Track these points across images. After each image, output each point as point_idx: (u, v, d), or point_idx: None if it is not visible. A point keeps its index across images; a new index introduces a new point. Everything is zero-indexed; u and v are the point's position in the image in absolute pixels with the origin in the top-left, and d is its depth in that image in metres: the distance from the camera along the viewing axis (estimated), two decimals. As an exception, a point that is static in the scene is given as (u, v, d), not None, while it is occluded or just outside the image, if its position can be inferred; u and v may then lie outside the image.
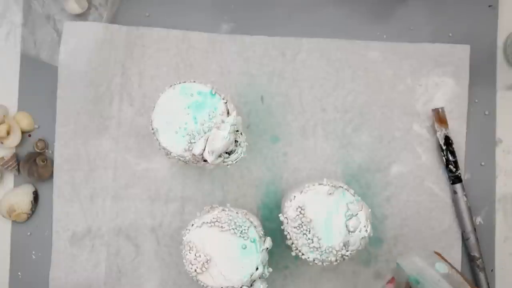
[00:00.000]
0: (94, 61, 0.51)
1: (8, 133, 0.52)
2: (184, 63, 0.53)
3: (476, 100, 0.53)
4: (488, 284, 0.51)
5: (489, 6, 0.54)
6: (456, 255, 0.52)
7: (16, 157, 0.52)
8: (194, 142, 0.44)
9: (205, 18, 0.54)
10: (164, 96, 0.45)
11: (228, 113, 0.44)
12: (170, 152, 0.44)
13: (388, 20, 0.54)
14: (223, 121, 0.44)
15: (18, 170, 0.53)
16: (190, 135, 0.44)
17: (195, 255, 0.43)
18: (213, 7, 0.54)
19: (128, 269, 0.52)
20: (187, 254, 0.44)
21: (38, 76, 0.53)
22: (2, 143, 0.52)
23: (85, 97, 0.52)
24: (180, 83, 0.45)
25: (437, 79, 0.53)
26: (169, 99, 0.44)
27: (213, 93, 0.44)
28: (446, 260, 0.43)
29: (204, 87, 0.45)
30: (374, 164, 0.52)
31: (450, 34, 0.54)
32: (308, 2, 0.54)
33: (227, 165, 0.44)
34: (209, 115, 0.44)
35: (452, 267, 0.43)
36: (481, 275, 0.51)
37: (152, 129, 0.44)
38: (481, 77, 0.53)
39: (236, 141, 0.44)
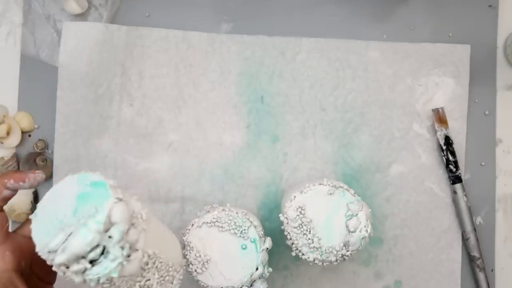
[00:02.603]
0: (94, 61, 0.51)
1: (8, 133, 0.52)
2: (184, 63, 0.53)
3: (476, 100, 0.53)
4: (488, 284, 0.51)
5: (489, 6, 0.54)
6: (456, 255, 0.52)
7: (16, 157, 0.52)
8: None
9: (205, 18, 0.54)
10: (68, 179, 0.35)
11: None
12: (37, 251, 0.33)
13: (388, 20, 0.54)
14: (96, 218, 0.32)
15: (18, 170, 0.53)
16: (63, 229, 0.32)
17: (195, 255, 0.43)
18: (212, 7, 0.54)
19: (128, 269, 0.52)
20: (187, 254, 0.44)
21: (38, 76, 0.53)
22: (2, 143, 0.52)
23: (85, 97, 0.52)
24: (82, 173, 0.35)
25: (437, 79, 0.53)
26: (64, 186, 0.35)
27: (108, 187, 0.33)
28: None
29: (100, 177, 0.34)
30: (374, 164, 0.52)
31: (450, 34, 0.54)
32: (308, 2, 0.54)
33: (91, 281, 0.32)
34: (95, 209, 0.32)
35: None
36: (481, 275, 0.51)
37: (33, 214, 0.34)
38: (481, 77, 0.53)
39: (104, 249, 0.32)
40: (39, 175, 0.39)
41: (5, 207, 0.52)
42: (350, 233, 0.43)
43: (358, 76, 0.53)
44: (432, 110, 0.52)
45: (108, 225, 0.32)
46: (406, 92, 0.53)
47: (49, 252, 0.32)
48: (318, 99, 0.53)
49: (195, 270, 0.43)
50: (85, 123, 0.52)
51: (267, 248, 0.44)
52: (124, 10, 0.54)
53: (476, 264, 0.51)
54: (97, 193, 0.33)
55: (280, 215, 0.45)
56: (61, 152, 0.52)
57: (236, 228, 0.44)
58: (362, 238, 0.43)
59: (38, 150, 0.52)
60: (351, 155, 0.53)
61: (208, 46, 0.53)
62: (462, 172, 0.52)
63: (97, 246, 0.32)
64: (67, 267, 0.32)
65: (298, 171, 0.52)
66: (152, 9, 0.54)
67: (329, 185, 0.44)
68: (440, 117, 0.52)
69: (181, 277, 0.39)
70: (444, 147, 0.52)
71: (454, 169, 0.52)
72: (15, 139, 0.52)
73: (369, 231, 0.43)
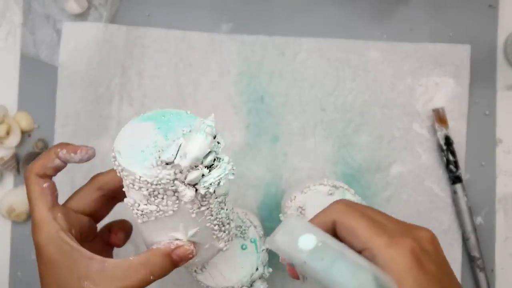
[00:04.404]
0: (94, 61, 0.51)
1: (8, 133, 0.52)
2: (184, 63, 0.53)
3: (476, 100, 0.53)
4: (488, 284, 0.51)
5: (489, 6, 0.54)
6: (456, 255, 0.52)
7: (16, 157, 0.52)
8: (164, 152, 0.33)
9: (204, 18, 0.54)
10: (131, 122, 0.36)
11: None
12: (137, 178, 0.33)
13: (388, 20, 0.54)
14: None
15: (18, 170, 0.53)
16: (160, 151, 0.33)
17: (195, 255, 0.43)
18: (212, 7, 0.54)
19: (128, 269, 0.52)
20: (187, 254, 0.44)
21: (38, 76, 0.53)
22: (2, 143, 0.52)
23: (85, 97, 0.52)
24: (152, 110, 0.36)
25: (437, 79, 0.53)
26: (136, 124, 0.35)
27: (189, 113, 0.36)
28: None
29: (178, 110, 0.36)
30: (374, 164, 0.52)
31: (451, 34, 0.54)
32: (308, 1, 0.54)
33: (208, 188, 0.32)
34: (183, 131, 0.34)
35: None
36: (481, 275, 0.51)
37: (114, 156, 0.34)
38: (481, 77, 0.53)
39: (217, 156, 0.33)
40: (90, 149, 0.38)
41: (5, 207, 0.52)
42: (350, 233, 0.43)
43: (358, 76, 0.53)
44: (432, 110, 0.52)
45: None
46: (406, 92, 0.53)
47: (166, 164, 0.32)
48: (318, 99, 0.53)
49: (195, 270, 0.43)
50: (85, 123, 0.52)
51: (267, 248, 0.44)
52: (124, 10, 0.54)
53: (476, 264, 0.51)
54: (180, 118, 0.34)
55: (280, 215, 0.45)
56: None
57: (236, 228, 0.44)
58: (362, 238, 0.43)
59: (38, 150, 0.52)
60: (351, 155, 0.53)
61: (208, 46, 0.53)
62: (462, 172, 0.52)
63: (210, 152, 0.32)
64: (183, 180, 0.32)
65: (298, 171, 0.52)
66: (152, 9, 0.54)
67: (329, 185, 0.44)
68: (440, 117, 0.52)
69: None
70: (444, 147, 0.51)
71: (454, 169, 0.52)
72: (15, 139, 0.52)
73: (369, 231, 0.43)
